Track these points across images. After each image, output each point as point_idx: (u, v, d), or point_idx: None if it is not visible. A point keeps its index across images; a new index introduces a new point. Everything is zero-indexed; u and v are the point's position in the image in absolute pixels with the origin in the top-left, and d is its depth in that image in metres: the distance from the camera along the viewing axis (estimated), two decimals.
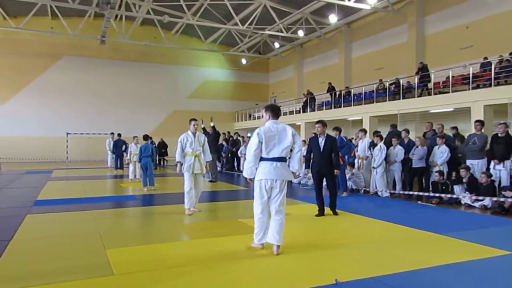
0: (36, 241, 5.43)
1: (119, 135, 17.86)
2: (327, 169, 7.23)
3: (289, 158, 4.87)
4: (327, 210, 7.27)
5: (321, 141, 7.26)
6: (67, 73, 26.88)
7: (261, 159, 4.74)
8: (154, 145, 23.69)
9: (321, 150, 7.20)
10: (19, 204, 8.42)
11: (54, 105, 26.37)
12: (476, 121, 9.41)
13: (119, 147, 17.05)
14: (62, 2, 20.04)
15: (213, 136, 13.64)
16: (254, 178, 4.78)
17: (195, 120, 7.64)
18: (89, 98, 27.37)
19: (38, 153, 25.12)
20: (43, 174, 15.98)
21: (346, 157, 10.42)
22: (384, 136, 10.84)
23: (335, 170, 7.33)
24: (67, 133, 25.64)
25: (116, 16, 24.18)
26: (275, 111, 4.90)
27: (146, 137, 11.48)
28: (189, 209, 7.29)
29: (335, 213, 7.23)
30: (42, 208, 7.96)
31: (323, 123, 7.35)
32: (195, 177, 7.42)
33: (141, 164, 11.15)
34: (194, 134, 7.51)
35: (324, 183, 7.51)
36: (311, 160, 7.46)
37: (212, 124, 13.37)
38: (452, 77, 14.71)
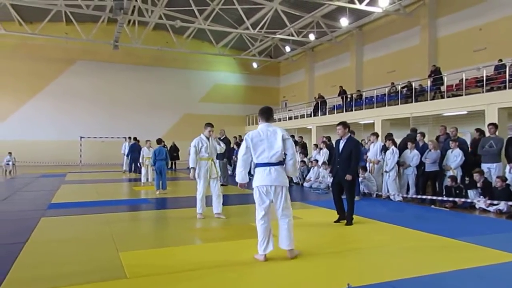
0: (50, 243, 5.50)
1: (135, 139, 18.09)
2: (343, 174, 6.66)
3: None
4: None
5: (341, 143, 6.88)
6: (81, 78, 27.27)
7: (256, 165, 4.66)
8: (166, 149, 23.92)
9: (340, 152, 6.83)
10: (34, 207, 8.54)
11: (68, 109, 26.76)
12: (490, 124, 9.29)
13: (134, 151, 17.26)
14: (76, 8, 20.37)
15: (224, 141, 13.68)
16: (245, 183, 4.78)
17: (211, 126, 7.57)
18: (102, 102, 27.71)
19: (52, 157, 25.49)
20: (57, 178, 16.19)
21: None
22: (397, 140, 10.77)
23: (346, 175, 6.62)
24: (81, 137, 25.96)
25: (129, 21, 24.48)
26: (263, 114, 4.74)
27: (159, 141, 11.59)
28: (201, 213, 7.23)
29: (350, 223, 6.67)
30: (56, 211, 8.07)
31: (344, 124, 6.86)
32: (211, 182, 7.33)
33: (155, 168, 11.23)
34: (208, 138, 7.45)
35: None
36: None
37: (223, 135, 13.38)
38: (466, 79, 14.53)
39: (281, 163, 4.65)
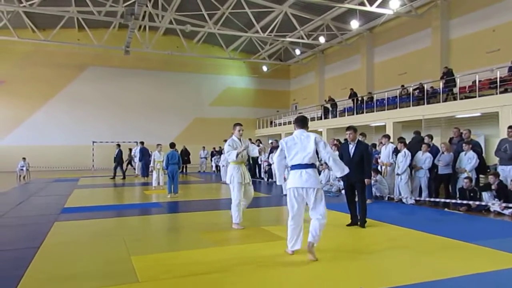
0: (63, 247, 5.56)
1: (142, 143, 18.31)
2: (356, 178, 6.74)
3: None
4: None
5: (352, 147, 6.97)
6: (93, 83, 27.60)
7: (290, 167, 4.92)
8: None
9: (351, 157, 6.89)
10: (47, 212, 8.64)
11: (80, 114, 27.08)
12: (510, 127, 9.10)
13: (145, 155, 17.40)
14: (88, 15, 20.64)
15: None
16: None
17: (240, 125, 6.91)
18: (114, 107, 28.00)
19: (65, 162, 25.79)
20: (70, 182, 16.36)
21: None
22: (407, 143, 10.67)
23: (365, 180, 6.87)
24: (93, 142, 26.24)
25: (140, 27, 24.73)
26: (299, 122, 5.10)
27: (172, 145, 11.66)
28: (239, 224, 6.66)
29: (363, 226, 6.74)
30: (69, 215, 8.15)
31: (354, 129, 7.05)
32: (245, 187, 6.77)
33: (168, 172, 11.29)
34: (240, 139, 6.84)
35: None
36: None
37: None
38: (479, 81, 14.35)
39: (313, 165, 4.87)
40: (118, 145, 18.12)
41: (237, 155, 6.63)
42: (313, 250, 4.71)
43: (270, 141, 19.16)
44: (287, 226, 4.94)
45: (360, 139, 8.74)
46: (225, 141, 16.71)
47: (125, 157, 19.77)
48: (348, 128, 7.07)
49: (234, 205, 6.67)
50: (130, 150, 21.91)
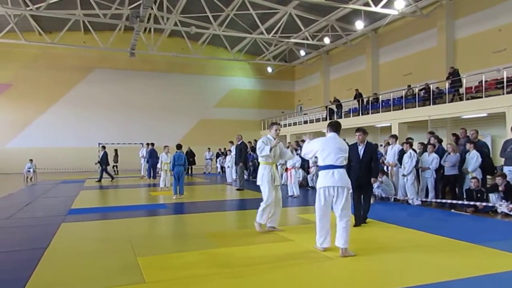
0: (70, 248, 5.59)
1: (153, 144, 18.31)
2: (365, 178, 6.96)
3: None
4: None
5: (361, 149, 7.08)
6: (99, 85, 27.76)
7: (320, 167, 5.18)
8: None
9: (360, 158, 7.01)
10: (54, 213, 8.69)
11: (86, 116, 27.24)
12: None
13: (152, 156, 17.45)
14: (94, 17, 20.76)
15: (241, 146, 13.79)
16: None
17: (277, 124, 6.64)
18: (120, 109, 28.13)
19: (72, 163, 25.92)
20: (77, 184, 16.45)
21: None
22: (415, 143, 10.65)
23: (372, 179, 7.12)
24: (99, 143, 26.32)
25: (145, 29, 24.85)
26: (333, 126, 5.39)
27: (179, 147, 11.73)
28: (261, 224, 6.41)
29: (363, 221, 7.01)
30: (75, 216, 8.20)
31: (363, 130, 7.18)
32: (276, 190, 6.44)
33: (173, 173, 11.34)
34: (275, 139, 6.47)
35: None
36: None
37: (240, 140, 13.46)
38: (485, 81, 14.26)
39: (344, 167, 5.12)
40: (103, 147, 17.82)
41: (271, 149, 6.32)
42: (349, 251, 4.93)
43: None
44: (316, 222, 5.17)
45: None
46: (231, 142, 16.94)
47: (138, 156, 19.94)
48: (358, 130, 7.17)
49: (262, 206, 6.36)
50: (116, 151, 21.94)
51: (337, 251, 5.07)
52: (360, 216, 6.98)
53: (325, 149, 5.09)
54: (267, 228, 6.50)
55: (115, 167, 22.34)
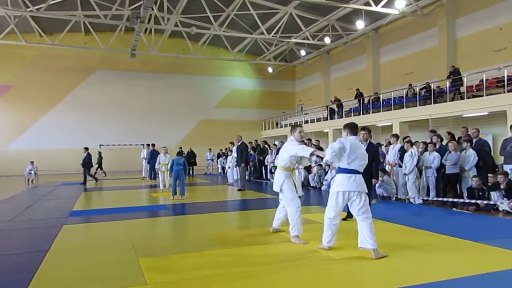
0: (71, 251, 5.59)
1: (153, 145, 18.27)
2: (366, 178, 6.97)
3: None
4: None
5: (363, 147, 7.01)
6: (100, 86, 27.79)
7: (341, 170, 5.07)
8: (184, 155, 24.11)
9: None
10: (56, 215, 8.69)
11: (87, 117, 27.26)
12: None
13: (154, 157, 17.46)
14: (94, 18, 20.78)
15: (242, 146, 13.78)
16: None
17: (300, 126, 6.11)
18: (121, 110, 28.15)
19: (73, 165, 25.76)
20: (78, 186, 16.44)
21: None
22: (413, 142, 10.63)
23: (373, 180, 7.18)
24: (100, 145, 26.38)
25: (146, 30, 24.87)
26: (352, 129, 5.25)
27: (179, 153, 11.85)
28: (298, 236, 5.80)
29: None
30: (77, 218, 8.20)
31: (368, 129, 7.25)
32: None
33: (172, 174, 11.34)
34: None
35: None
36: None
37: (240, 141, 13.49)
38: (486, 80, 14.24)
39: (362, 172, 5.15)
40: (86, 149, 17.32)
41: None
42: (380, 253, 4.90)
43: (275, 143, 19.14)
44: (325, 223, 5.24)
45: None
46: (231, 143, 16.89)
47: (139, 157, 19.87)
48: (363, 129, 7.21)
49: (295, 213, 5.82)
50: (100, 153, 21.78)
51: (341, 251, 5.07)
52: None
53: (354, 152, 5.02)
54: (272, 229, 6.44)
55: (99, 169, 21.93)
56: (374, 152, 7.16)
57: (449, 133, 10.73)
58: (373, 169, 7.04)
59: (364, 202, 5.04)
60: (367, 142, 7.17)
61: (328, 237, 5.24)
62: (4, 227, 7.36)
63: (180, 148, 18.57)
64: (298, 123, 26.97)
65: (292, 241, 5.75)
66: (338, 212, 5.17)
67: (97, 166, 20.30)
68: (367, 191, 5.14)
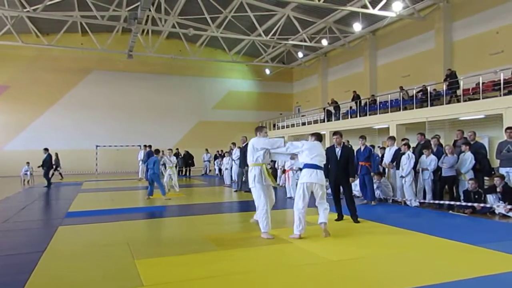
0: (67, 252, 5.57)
1: (150, 146, 18.20)
2: (343, 178, 7.60)
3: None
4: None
5: (338, 151, 7.66)
6: (97, 87, 27.70)
7: (306, 165, 6.10)
8: (180, 156, 24.14)
9: (338, 159, 7.60)
10: (51, 216, 8.67)
11: (84, 118, 27.15)
12: (508, 128, 9.11)
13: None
14: (91, 19, 20.73)
15: (246, 148, 13.78)
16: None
17: (265, 127, 6.90)
18: (117, 111, 28.07)
19: (69, 166, 25.76)
20: (74, 186, 16.40)
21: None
22: (412, 144, 10.68)
23: (350, 178, 7.66)
24: (97, 146, 26.30)
25: (143, 31, 24.79)
26: (318, 136, 6.51)
27: (157, 151, 12.06)
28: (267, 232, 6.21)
29: (356, 221, 7.39)
30: (73, 219, 8.16)
31: (340, 134, 7.74)
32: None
33: (148, 177, 11.54)
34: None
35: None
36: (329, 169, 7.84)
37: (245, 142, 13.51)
38: (483, 83, 14.30)
39: (322, 168, 6.20)
40: (46, 150, 16.91)
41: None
42: (327, 228, 6.08)
43: None
44: (295, 212, 6.01)
45: (361, 142, 9.93)
46: (233, 144, 16.83)
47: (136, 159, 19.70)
48: (335, 133, 7.76)
49: (259, 211, 6.28)
50: (57, 155, 21.14)
51: (338, 253, 5.07)
52: (341, 211, 7.67)
53: (314, 151, 6.12)
54: (252, 220, 6.72)
55: (56, 171, 21.23)
56: (349, 154, 7.74)
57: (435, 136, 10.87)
58: (349, 169, 7.63)
59: (322, 193, 6.12)
60: (341, 146, 7.69)
61: (299, 226, 5.97)
62: (0, 228, 7.32)
63: (150, 146, 18.42)
64: (294, 124, 27.03)
65: (262, 236, 6.15)
66: (306, 203, 6.01)
67: (54, 167, 19.42)
68: (325, 184, 6.20)
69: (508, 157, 8.75)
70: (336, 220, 7.51)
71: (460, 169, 9.16)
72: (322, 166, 6.15)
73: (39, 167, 16.96)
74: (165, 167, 13.51)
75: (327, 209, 6.14)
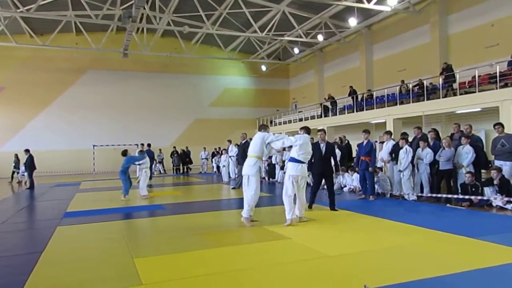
0: (66, 252, 5.56)
1: (149, 145, 18.13)
2: (328, 171, 8.55)
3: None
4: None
5: (322, 146, 8.49)
6: (92, 87, 27.58)
7: (292, 159, 6.92)
8: (177, 154, 24.11)
9: (323, 154, 8.43)
10: (50, 217, 8.64)
11: (80, 118, 27.06)
12: (496, 124, 9.23)
13: (149, 157, 17.35)
14: (86, 18, 20.62)
15: (245, 145, 13.77)
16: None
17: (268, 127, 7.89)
18: (114, 110, 27.98)
19: (67, 166, 25.77)
20: (72, 187, 16.36)
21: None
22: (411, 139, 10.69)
23: (335, 172, 8.83)
24: (94, 145, 26.22)
25: (138, 29, 24.71)
26: (307, 129, 7.36)
27: (124, 153, 12.09)
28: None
29: (334, 209, 8.26)
30: (71, 219, 8.14)
31: (324, 131, 8.79)
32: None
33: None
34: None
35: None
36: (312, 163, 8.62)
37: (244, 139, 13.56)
38: (479, 76, 14.32)
39: (305, 163, 7.01)
40: (27, 151, 16.52)
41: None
42: (303, 218, 7.06)
43: None
44: (284, 201, 6.86)
45: (365, 137, 10.28)
46: (229, 141, 16.84)
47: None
48: (320, 130, 8.70)
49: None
50: (16, 155, 20.38)
51: (335, 249, 5.08)
52: (314, 201, 8.61)
53: (304, 148, 6.91)
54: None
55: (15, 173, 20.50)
56: (332, 150, 8.74)
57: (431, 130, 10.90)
58: (334, 164, 8.83)
59: (304, 185, 7.02)
60: (325, 142, 8.55)
61: (290, 212, 6.76)
62: None
63: (149, 145, 18.63)
64: (291, 120, 27.03)
65: (242, 220, 7.02)
66: (293, 191, 6.86)
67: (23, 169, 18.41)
68: (308, 176, 7.46)
69: (503, 151, 8.81)
70: (307, 209, 8.07)
71: (462, 162, 9.16)
72: (306, 162, 6.99)
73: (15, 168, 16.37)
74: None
75: (303, 205, 7.08)
